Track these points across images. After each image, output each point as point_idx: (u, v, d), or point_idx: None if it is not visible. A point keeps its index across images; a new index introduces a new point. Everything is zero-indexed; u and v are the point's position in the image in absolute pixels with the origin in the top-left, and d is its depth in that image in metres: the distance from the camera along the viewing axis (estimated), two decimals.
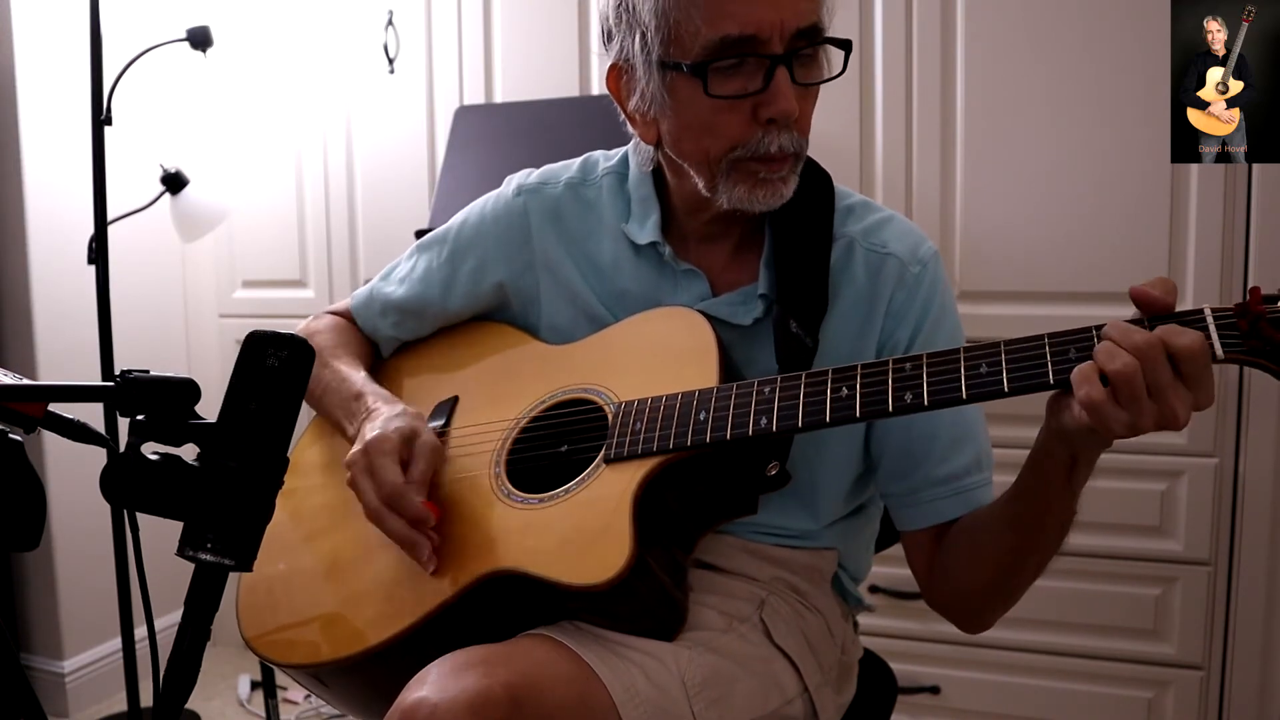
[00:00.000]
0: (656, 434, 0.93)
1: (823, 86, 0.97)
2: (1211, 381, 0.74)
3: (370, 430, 1.01)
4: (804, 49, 0.92)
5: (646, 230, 1.06)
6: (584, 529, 0.91)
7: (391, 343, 1.24)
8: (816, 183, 1.05)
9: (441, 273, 1.17)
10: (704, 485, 0.96)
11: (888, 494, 1.04)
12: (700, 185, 0.99)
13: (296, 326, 1.26)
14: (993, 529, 0.94)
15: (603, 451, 0.96)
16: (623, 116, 1.04)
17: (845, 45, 0.95)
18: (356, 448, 1.00)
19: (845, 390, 0.85)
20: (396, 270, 1.22)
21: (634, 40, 0.95)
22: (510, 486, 1.00)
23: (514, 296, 1.15)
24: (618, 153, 1.14)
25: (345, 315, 1.26)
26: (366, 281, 1.30)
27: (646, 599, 0.91)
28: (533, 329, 1.14)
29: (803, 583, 1.07)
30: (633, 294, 1.08)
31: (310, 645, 1.02)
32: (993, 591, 0.98)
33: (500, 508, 0.99)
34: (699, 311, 1.01)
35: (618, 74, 1.00)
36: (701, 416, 0.91)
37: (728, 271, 1.07)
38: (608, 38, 0.99)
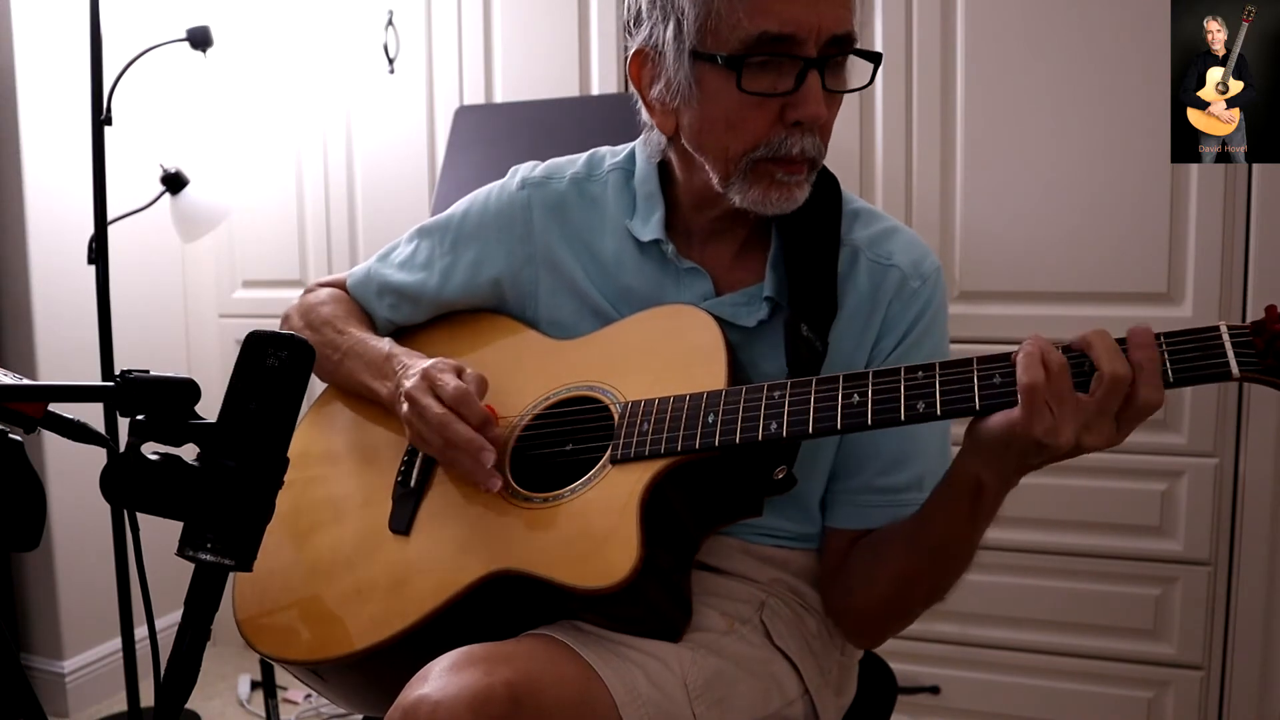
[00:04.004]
0: (664, 436, 0.92)
1: None
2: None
3: (417, 366, 1.05)
4: (836, 55, 0.93)
5: (650, 227, 1.06)
6: (590, 531, 0.91)
7: (385, 324, 1.23)
8: (824, 186, 1.04)
9: (442, 261, 1.17)
10: (711, 488, 0.96)
11: (830, 490, 1.05)
12: (714, 181, 0.98)
13: (291, 303, 1.26)
14: (893, 545, 0.96)
15: (609, 452, 0.96)
16: (639, 105, 1.03)
17: (875, 58, 0.96)
18: (412, 380, 1.03)
19: (857, 397, 0.85)
20: (396, 253, 1.22)
21: (667, 27, 0.94)
22: (515, 485, 1.00)
23: (511, 291, 1.15)
24: (624, 149, 1.14)
25: (341, 287, 1.26)
26: None
27: (653, 601, 0.91)
28: (530, 324, 1.14)
29: (802, 584, 1.07)
30: (636, 291, 1.07)
31: (311, 641, 1.02)
32: (880, 610, 0.99)
33: (505, 506, 0.99)
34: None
35: (642, 60, 0.99)
36: (710, 419, 0.91)
37: (732, 271, 1.06)
38: (636, 22, 0.99)
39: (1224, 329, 0.74)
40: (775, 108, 0.93)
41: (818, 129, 0.94)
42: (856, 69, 0.97)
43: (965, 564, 0.92)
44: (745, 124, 0.94)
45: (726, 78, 0.92)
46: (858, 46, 0.95)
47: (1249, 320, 0.75)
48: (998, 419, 0.79)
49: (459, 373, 1.03)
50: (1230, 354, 0.74)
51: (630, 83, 1.02)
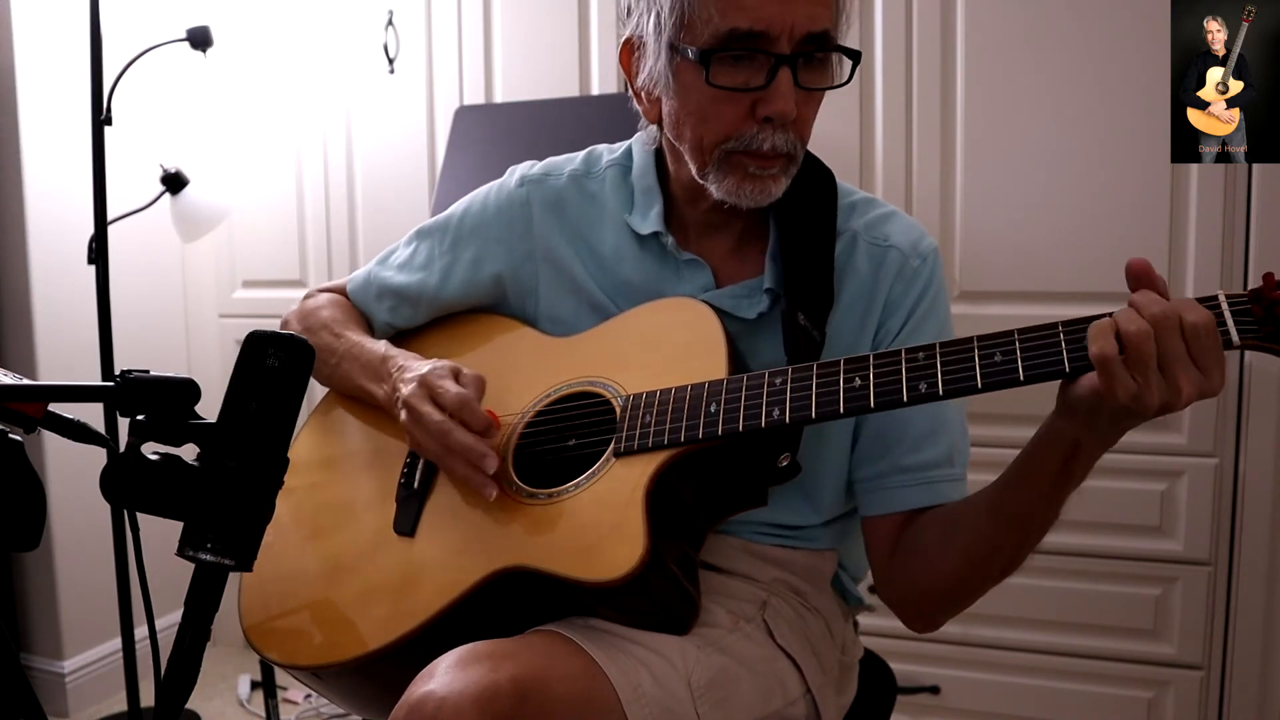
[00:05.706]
0: (667, 427, 0.93)
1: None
2: (1222, 365, 0.74)
3: (414, 370, 1.04)
4: (811, 53, 0.93)
5: (649, 220, 1.06)
6: (596, 524, 0.91)
7: (385, 328, 1.23)
8: (819, 179, 1.05)
9: (442, 261, 1.17)
10: (715, 478, 0.96)
11: (857, 479, 1.04)
12: (693, 171, 1.00)
13: (291, 303, 1.26)
14: (973, 519, 0.94)
15: (611, 445, 0.96)
16: (629, 92, 1.05)
17: (854, 55, 0.96)
18: (409, 387, 1.02)
19: (859, 380, 0.85)
20: (395, 256, 1.22)
21: (650, 18, 0.96)
22: (518, 481, 1.00)
23: (511, 289, 1.15)
24: (621, 146, 1.15)
25: (340, 293, 1.26)
26: None
27: (661, 593, 0.91)
28: (530, 321, 1.14)
29: (803, 584, 1.07)
30: (635, 285, 1.08)
31: (320, 646, 1.01)
32: (952, 588, 0.97)
33: (509, 503, 0.99)
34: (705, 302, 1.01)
35: (630, 48, 1.01)
36: (712, 409, 0.91)
37: (730, 263, 1.07)
38: (628, 12, 1.01)
39: (1222, 297, 0.74)
40: (747, 102, 0.94)
41: (791, 125, 0.95)
42: (842, 67, 0.97)
43: (1045, 530, 0.90)
44: (717, 117, 0.95)
45: (698, 71, 0.93)
46: (838, 44, 0.95)
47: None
48: (1090, 391, 0.76)
49: (456, 376, 1.03)
50: (1230, 322, 0.73)
51: (621, 70, 1.04)
